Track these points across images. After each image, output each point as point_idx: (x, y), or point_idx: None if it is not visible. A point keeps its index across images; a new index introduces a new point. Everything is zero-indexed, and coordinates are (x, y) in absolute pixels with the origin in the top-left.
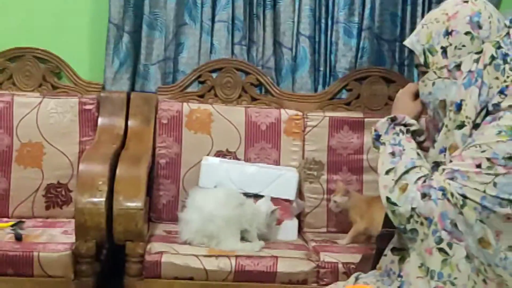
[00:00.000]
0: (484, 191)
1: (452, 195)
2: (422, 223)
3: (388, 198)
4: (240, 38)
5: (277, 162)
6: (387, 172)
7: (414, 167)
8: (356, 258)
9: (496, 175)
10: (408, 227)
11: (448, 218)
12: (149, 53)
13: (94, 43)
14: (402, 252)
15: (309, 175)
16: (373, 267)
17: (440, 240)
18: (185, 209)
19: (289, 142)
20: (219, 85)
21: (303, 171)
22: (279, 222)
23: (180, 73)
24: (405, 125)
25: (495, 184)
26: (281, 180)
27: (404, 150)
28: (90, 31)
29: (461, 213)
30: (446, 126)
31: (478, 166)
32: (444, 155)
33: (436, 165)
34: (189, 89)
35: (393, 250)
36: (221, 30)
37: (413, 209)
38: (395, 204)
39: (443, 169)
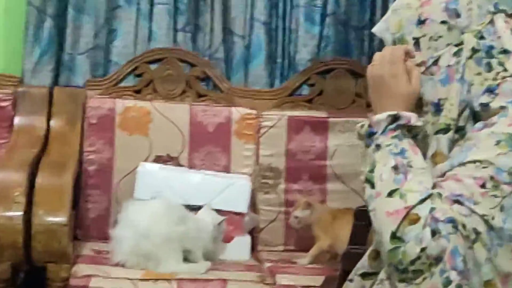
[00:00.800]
0: (493, 218)
1: (464, 226)
2: (430, 264)
3: (393, 232)
4: (184, 24)
5: (227, 169)
6: (391, 194)
7: (430, 195)
8: (317, 281)
9: (503, 196)
10: (411, 268)
11: (460, 254)
12: (75, 40)
13: (10, 29)
14: (374, 277)
15: (264, 184)
16: None
17: (448, 282)
18: (117, 225)
19: (241, 146)
20: (159, 78)
21: (257, 179)
22: (229, 239)
23: (112, 65)
24: (409, 127)
25: (502, 208)
26: (231, 190)
27: (411, 166)
28: (4, 15)
29: (471, 247)
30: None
31: (482, 186)
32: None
33: None
34: (123, 83)
35: (363, 275)
36: (161, 14)
37: (422, 250)
38: (401, 240)
39: (439, 194)
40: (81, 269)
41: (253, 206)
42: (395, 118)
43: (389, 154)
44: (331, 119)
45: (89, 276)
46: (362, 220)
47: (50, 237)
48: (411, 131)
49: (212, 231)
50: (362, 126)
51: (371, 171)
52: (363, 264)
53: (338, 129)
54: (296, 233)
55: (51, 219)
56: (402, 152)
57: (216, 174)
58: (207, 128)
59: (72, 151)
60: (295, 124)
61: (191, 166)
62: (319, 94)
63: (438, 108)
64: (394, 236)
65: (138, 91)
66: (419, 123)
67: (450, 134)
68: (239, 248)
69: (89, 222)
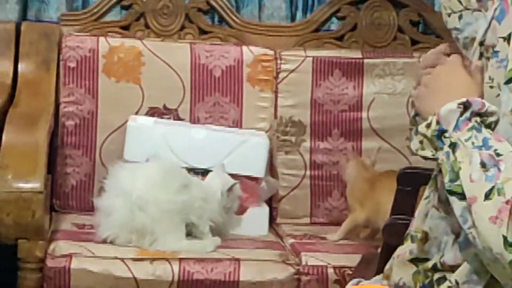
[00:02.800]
0: None
1: None
2: None
3: (505, 238)
4: None
5: (238, 124)
6: (488, 196)
7: None
8: (352, 260)
9: None
10: None
11: None
12: None
13: None
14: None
15: (284, 142)
16: (378, 272)
17: None
18: (104, 194)
19: (255, 95)
20: (152, 11)
21: (276, 136)
22: (242, 210)
23: None
24: (481, 115)
25: None
26: (243, 149)
27: (500, 155)
28: None
29: None
30: (491, 80)
31: None
32: None
33: None
34: (107, 17)
35: (413, 260)
36: None
37: None
38: None
39: None
40: (60, 247)
41: (271, 169)
42: (465, 107)
43: (472, 149)
44: (366, 61)
45: (69, 255)
46: (407, 184)
47: (21, 207)
48: (485, 121)
49: (221, 199)
50: (427, 126)
51: (454, 179)
52: (411, 246)
53: (375, 73)
54: (324, 202)
55: (23, 185)
56: (485, 144)
57: (225, 130)
58: (213, 72)
59: (46, 102)
60: (322, 67)
61: (194, 121)
62: (352, 29)
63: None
64: (507, 242)
65: (126, 27)
66: (494, 108)
67: None
68: (254, 221)
69: (69, 190)
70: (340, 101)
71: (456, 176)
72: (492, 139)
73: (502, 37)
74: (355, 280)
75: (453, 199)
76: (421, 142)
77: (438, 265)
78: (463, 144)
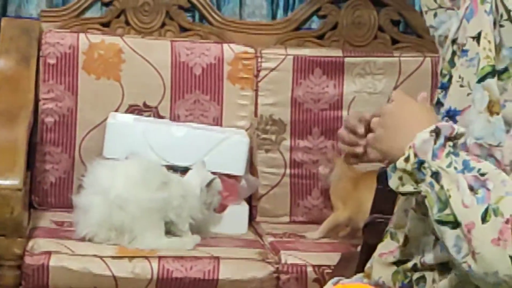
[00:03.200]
0: None
1: None
2: None
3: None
4: None
5: (218, 122)
6: (485, 218)
7: None
8: (331, 258)
9: None
10: None
11: None
12: None
13: None
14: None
15: (264, 140)
16: (359, 270)
17: None
18: (83, 191)
19: (236, 93)
20: (133, 8)
21: (256, 134)
22: (222, 208)
23: None
24: (452, 139)
25: None
26: (223, 147)
27: (484, 174)
28: None
29: None
30: (460, 79)
31: None
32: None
33: None
34: (88, 14)
35: (397, 263)
36: None
37: None
38: None
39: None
40: (39, 244)
41: (251, 167)
42: (437, 134)
43: (456, 174)
44: (347, 59)
45: (48, 253)
46: (387, 183)
47: None
48: (457, 144)
49: (201, 195)
50: (405, 160)
51: (443, 208)
52: (390, 243)
53: (356, 72)
54: (303, 200)
55: (1, 181)
56: (466, 166)
57: (205, 127)
58: (193, 70)
59: (25, 99)
60: (302, 66)
61: (174, 118)
62: (333, 28)
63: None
64: None
65: (106, 24)
66: (462, 130)
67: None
68: (234, 219)
69: (48, 187)
70: (321, 99)
71: (445, 205)
72: (471, 160)
73: (471, 37)
74: (335, 279)
75: (444, 229)
76: (400, 178)
77: (418, 265)
78: (445, 171)
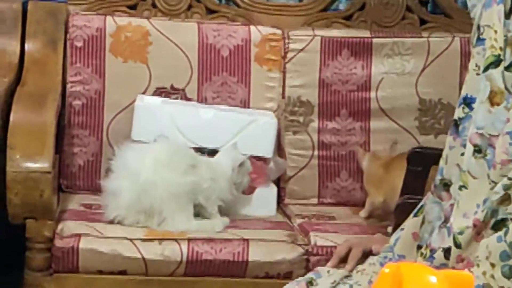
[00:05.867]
0: None
1: None
2: None
3: None
4: None
5: (245, 104)
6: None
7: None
8: None
9: None
10: None
11: None
12: None
13: None
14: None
15: (292, 122)
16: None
17: None
18: (111, 174)
19: (263, 74)
20: None
21: (284, 116)
22: (251, 190)
23: None
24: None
25: None
26: (251, 129)
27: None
28: None
29: None
30: (477, 67)
31: None
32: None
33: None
34: None
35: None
36: None
37: None
38: None
39: None
40: (68, 227)
41: (279, 149)
42: None
43: None
44: (375, 40)
45: (78, 235)
46: (417, 164)
47: (29, 187)
48: None
49: (232, 175)
50: None
51: None
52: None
53: (384, 53)
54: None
55: (31, 165)
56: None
57: (233, 109)
58: (221, 52)
59: (53, 82)
60: (330, 47)
61: (201, 100)
62: (360, 8)
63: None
64: None
65: (133, 7)
66: None
67: (501, 67)
68: (263, 201)
69: (76, 170)
70: (349, 81)
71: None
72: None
73: (487, 25)
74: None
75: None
76: None
77: (423, 250)
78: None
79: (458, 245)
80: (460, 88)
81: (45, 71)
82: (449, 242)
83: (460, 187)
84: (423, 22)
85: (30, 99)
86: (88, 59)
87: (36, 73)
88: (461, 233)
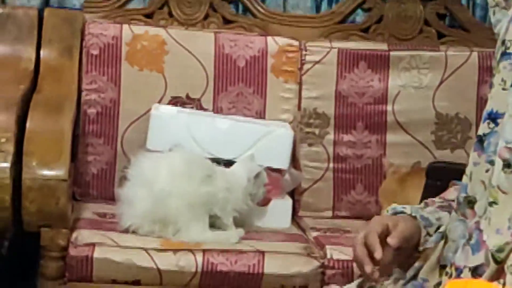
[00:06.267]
0: None
1: None
2: None
3: None
4: None
5: (261, 115)
6: None
7: None
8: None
9: None
10: None
11: None
12: None
13: None
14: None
15: (308, 133)
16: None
17: None
18: (126, 183)
19: (279, 86)
20: None
21: (300, 127)
22: (266, 202)
23: None
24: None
25: None
26: (267, 141)
27: None
28: None
29: None
30: (503, 82)
31: None
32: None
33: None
34: (131, 5)
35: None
36: None
37: None
38: None
39: None
40: (83, 235)
41: (294, 161)
42: None
43: None
44: (393, 53)
45: (92, 244)
46: (436, 178)
47: (45, 195)
48: None
49: (247, 186)
50: None
51: None
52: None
53: (401, 66)
54: (347, 195)
55: (47, 172)
56: None
57: (249, 120)
58: (237, 62)
59: (69, 89)
60: (347, 59)
61: (217, 111)
62: (378, 21)
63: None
64: None
65: (149, 15)
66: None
67: None
68: (277, 213)
69: (90, 179)
70: (365, 93)
71: None
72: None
73: None
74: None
75: None
76: None
77: (448, 269)
78: None
79: (498, 262)
80: (477, 103)
81: (60, 79)
82: (475, 261)
83: (490, 203)
84: (440, 35)
85: (46, 107)
86: (104, 67)
87: (52, 80)
88: (500, 250)
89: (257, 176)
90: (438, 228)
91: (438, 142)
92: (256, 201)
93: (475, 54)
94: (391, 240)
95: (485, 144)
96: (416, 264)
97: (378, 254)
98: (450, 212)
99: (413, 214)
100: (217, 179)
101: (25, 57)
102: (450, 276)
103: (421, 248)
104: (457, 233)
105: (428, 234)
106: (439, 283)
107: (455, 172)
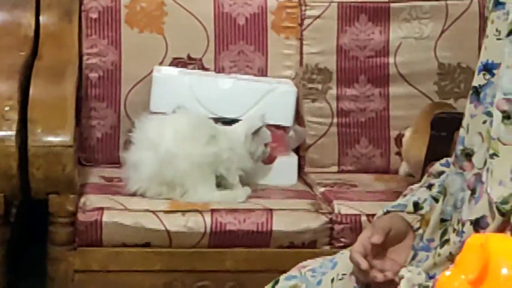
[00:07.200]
0: None
1: None
2: None
3: None
4: None
5: (263, 72)
6: None
7: None
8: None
9: None
10: None
11: None
12: None
13: None
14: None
15: (310, 89)
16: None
17: None
18: (131, 146)
19: (280, 42)
20: None
21: (302, 84)
22: (271, 160)
23: None
24: None
25: None
26: (271, 98)
27: None
28: None
29: None
30: (498, 32)
31: None
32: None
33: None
34: None
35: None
36: None
37: None
38: None
39: None
40: (91, 200)
41: (297, 117)
42: None
43: None
44: (393, 5)
45: (100, 208)
46: (442, 129)
47: (51, 161)
48: None
49: (245, 143)
50: None
51: None
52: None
53: (402, 17)
54: (351, 149)
55: (52, 139)
56: None
57: (251, 78)
58: (237, 20)
59: (70, 54)
60: (347, 12)
61: (219, 70)
62: None
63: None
64: None
65: None
66: None
67: None
68: (283, 170)
69: (94, 143)
70: (367, 46)
71: None
72: None
73: None
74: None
75: None
76: None
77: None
78: None
79: (503, 214)
80: (479, 51)
81: (61, 44)
82: (477, 213)
83: (491, 155)
84: None
85: (49, 73)
86: (104, 30)
87: (52, 46)
88: (504, 202)
89: (255, 133)
90: (417, 202)
91: (441, 92)
92: (256, 158)
93: (475, 2)
94: (373, 239)
95: (481, 95)
96: (420, 231)
97: (363, 265)
98: (428, 188)
99: (384, 210)
100: (221, 139)
101: (25, 23)
102: (458, 233)
103: (415, 226)
104: (456, 187)
105: (409, 212)
106: (447, 240)
107: (459, 122)
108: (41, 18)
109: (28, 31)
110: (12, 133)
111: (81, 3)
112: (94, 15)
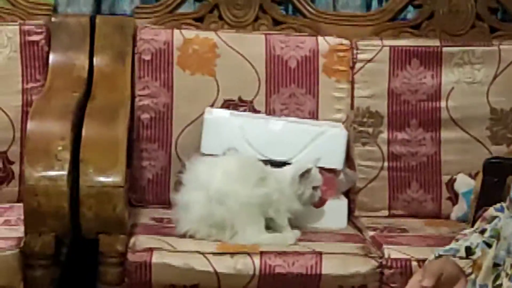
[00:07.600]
0: None
1: None
2: None
3: None
4: None
5: (314, 115)
6: None
7: None
8: None
9: None
10: None
11: None
12: None
13: None
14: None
15: (361, 132)
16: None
17: None
18: (182, 187)
19: (332, 85)
20: (225, 2)
21: (353, 127)
22: (321, 203)
23: None
24: None
25: None
26: (321, 141)
27: None
28: None
29: None
30: None
31: None
32: None
33: None
34: (181, 9)
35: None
36: None
37: None
38: None
39: None
40: (141, 241)
41: (348, 161)
42: None
43: None
44: (445, 49)
45: (150, 249)
46: (494, 175)
47: (102, 201)
48: None
49: (291, 185)
50: None
51: None
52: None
53: (454, 62)
54: (403, 194)
55: (103, 179)
56: None
57: (302, 121)
58: (288, 63)
59: (122, 95)
60: (399, 56)
61: (269, 112)
62: (429, 17)
63: None
64: None
65: (200, 19)
66: None
67: None
68: (333, 213)
69: (145, 184)
70: (418, 90)
71: None
72: None
73: None
74: None
75: None
76: None
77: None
78: None
79: None
80: None
81: (114, 85)
82: None
83: None
84: (493, 30)
85: (101, 114)
86: (156, 72)
87: (105, 87)
88: None
89: (302, 175)
90: (470, 247)
91: (494, 137)
92: (304, 200)
93: None
94: (424, 282)
95: None
96: (472, 276)
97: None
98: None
99: (436, 254)
100: (270, 181)
101: (78, 65)
102: (510, 278)
103: (468, 271)
104: (509, 231)
105: (461, 257)
106: (500, 285)
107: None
108: (94, 59)
109: (81, 72)
110: (64, 172)
111: (134, 45)
112: (147, 57)
